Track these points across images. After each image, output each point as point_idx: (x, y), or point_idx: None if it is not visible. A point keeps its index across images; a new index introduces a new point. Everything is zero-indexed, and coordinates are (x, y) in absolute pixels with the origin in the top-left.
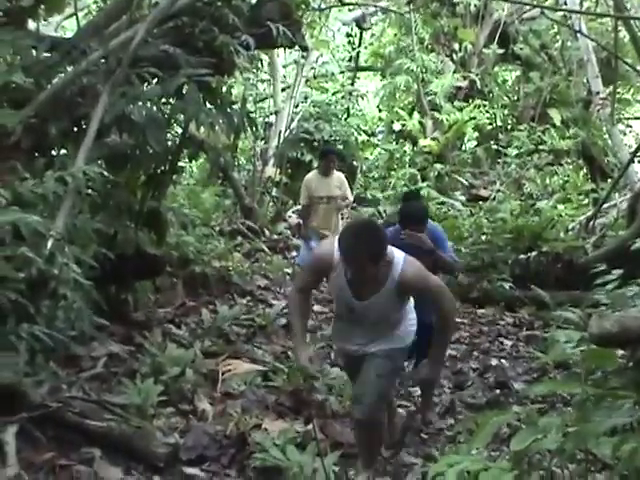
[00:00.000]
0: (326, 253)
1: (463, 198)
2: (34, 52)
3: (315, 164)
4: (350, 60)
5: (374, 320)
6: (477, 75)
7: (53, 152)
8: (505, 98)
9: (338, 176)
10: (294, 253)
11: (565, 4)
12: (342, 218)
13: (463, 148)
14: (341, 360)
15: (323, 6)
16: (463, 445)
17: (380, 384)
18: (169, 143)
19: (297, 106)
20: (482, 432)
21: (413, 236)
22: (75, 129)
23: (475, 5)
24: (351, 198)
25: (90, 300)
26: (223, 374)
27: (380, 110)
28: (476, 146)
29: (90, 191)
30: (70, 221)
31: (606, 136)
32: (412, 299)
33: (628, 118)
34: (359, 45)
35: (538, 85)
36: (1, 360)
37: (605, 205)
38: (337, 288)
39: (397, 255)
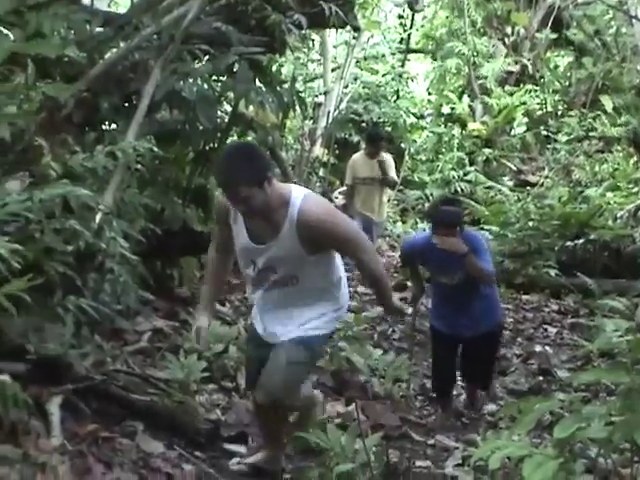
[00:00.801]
0: (222, 198)
1: (511, 183)
2: (88, 27)
3: (363, 145)
4: (401, 42)
5: (284, 275)
6: (529, 60)
7: (104, 127)
8: (556, 83)
9: (384, 158)
10: None
11: None
12: (388, 200)
13: (512, 133)
14: (247, 335)
15: None
16: (505, 431)
17: (291, 373)
18: (219, 120)
19: (347, 87)
20: (525, 418)
21: (445, 241)
22: (126, 104)
23: None
24: (396, 179)
25: (136, 274)
26: None
27: (430, 93)
28: (525, 131)
29: (139, 166)
30: (119, 195)
31: None
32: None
33: None
34: (410, 27)
35: (590, 71)
36: (48, 331)
37: None
38: (237, 235)
39: (296, 192)
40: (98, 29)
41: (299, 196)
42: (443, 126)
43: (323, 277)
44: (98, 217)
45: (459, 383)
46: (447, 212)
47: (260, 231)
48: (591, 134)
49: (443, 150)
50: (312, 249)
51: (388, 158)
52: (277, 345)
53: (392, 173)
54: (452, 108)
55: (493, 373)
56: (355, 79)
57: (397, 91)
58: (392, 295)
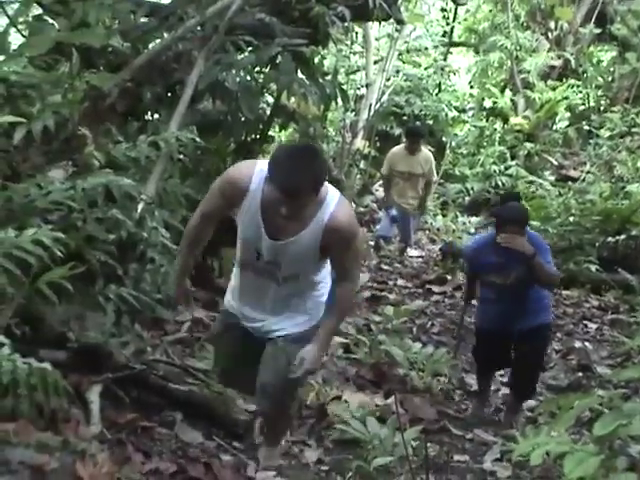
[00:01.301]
0: (242, 176)
1: (552, 178)
2: (132, 17)
3: (404, 138)
4: (444, 35)
5: (287, 274)
6: (572, 54)
7: (147, 116)
8: (599, 79)
9: (425, 154)
10: (378, 226)
11: None
12: (428, 194)
13: (554, 128)
14: (220, 326)
15: None
16: (544, 427)
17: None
18: (261, 112)
19: (389, 79)
20: (565, 415)
21: (513, 239)
22: (169, 94)
23: None
24: (435, 177)
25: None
26: None
27: (472, 87)
28: (567, 126)
29: (181, 156)
30: (161, 185)
31: None
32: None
33: None
34: (453, 20)
35: (634, 66)
36: (89, 320)
37: None
38: (247, 223)
39: (332, 192)
40: (143, 19)
41: (334, 197)
42: (485, 120)
43: (317, 284)
44: (140, 207)
45: (500, 378)
46: (516, 209)
47: (280, 226)
48: (634, 130)
49: (484, 144)
50: (324, 253)
51: (429, 155)
52: (272, 343)
53: (432, 171)
54: (494, 102)
55: (537, 383)
56: (397, 72)
57: (439, 84)
58: (330, 341)
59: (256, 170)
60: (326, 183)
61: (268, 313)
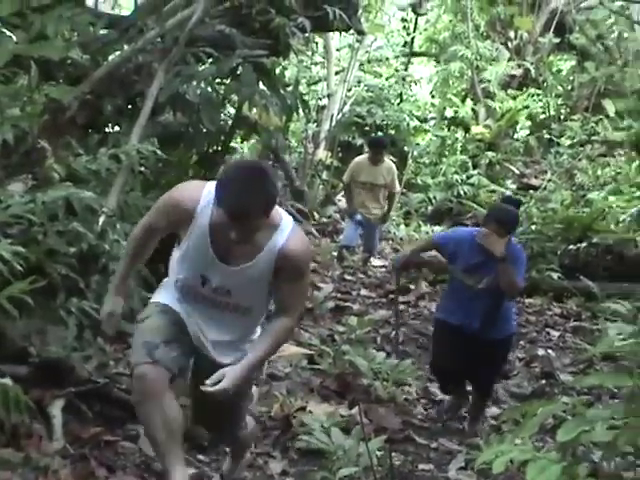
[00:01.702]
0: (187, 199)
1: (514, 187)
2: (91, 29)
3: (366, 148)
4: (404, 45)
5: (237, 303)
6: (532, 64)
7: (107, 129)
8: (559, 87)
9: (387, 165)
10: (342, 236)
11: None
12: (391, 206)
13: (515, 136)
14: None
15: None
16: (508, 435)
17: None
18: (222, 123)
19: (350, 90)
20: (528, 422)
21: (490, 237)
22: (130, 107)
23: None
24: (398, 188)
25: (139, 277)
26: None
27: (433, 96)
28: (528, 135)
29: (143, 169)
30: (122, 198)
31: None
32: None
33: None
34: (414, 30)
35: (593, 75)
36: (50, 334)
37: None
38: (193, 248)
39: (286, 217)
40: (102, 31)
41: (288, 223)
42: (446, 129)
43: (258, 321)
44: (101, 219)
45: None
46: (506, 211)
47: (233, 250)
48: (593, 138)
49: (446, 153)
50: (275, 280)
51: (391, 166)
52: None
53: (395, 182)
54: (455, 111)
55: (495, 383)
56: (358, 82)
57: (400, 94)
58: (257, 367)
59: (204, 193)
60: (279, 208)
61: (206, 342)
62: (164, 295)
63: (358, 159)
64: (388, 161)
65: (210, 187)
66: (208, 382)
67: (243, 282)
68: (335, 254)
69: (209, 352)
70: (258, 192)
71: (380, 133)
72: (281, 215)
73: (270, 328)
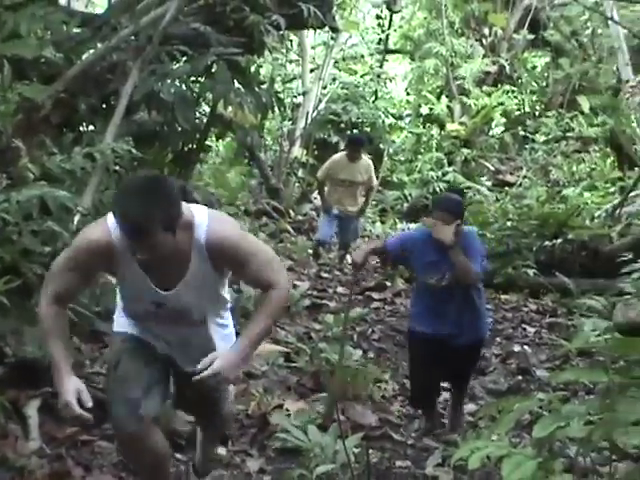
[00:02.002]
0: (98, 237)
1: (489, 183)
2: (65, 27)
3: (342, 146)
4: (379, 42)
5: (199, 311)
6: (506, 60)
7: (82, 128)
8: (534, 84)
9: (365, 162)
10: (317, 233)
11: None
12: (368, 200)
13: (490, 133)
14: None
15: None
16: (484, 431)
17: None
18: (197, 121)
19: (325, 87)
20: (505, 418)
21: (437, 226)
22: (104, 105)
23: None
24: (376, 182)
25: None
26: None
27: (408, 93)
28: (503, 132)
29: (117, 168)
30: (97, 197)
31: (635, 124)
32: None
33: None
34: (389, 27)
35: (567, 72)
36: (26, 334)
37: (632, 194)
38: (129, 281)
39: (198, 211)
40: (75, 30)
41: (203, 214)
42: (422, 126)
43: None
44: (76, 218)
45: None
46: (450, 198)
47: (165, 272)
48: (568, 134)
49: (422, 150)
50: (222, 270)
51: (369, 163)
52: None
53: (372, 179)
54: (430, 109)
55: (469, 381)
56: (334, 80)
57: (376, 92)
58: (254, 349)
59: (109, 223)
60: (188, 205)
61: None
62: (124, 322)
63: (336, 157)
64: (365, 158)
65: (112, 217)
66: (199, 367)
67: (194, 292)
68: (311, 252)
69: (185, 365)
70: (150, 206)
71: (356, 131)
72: (192, 211)
73: (262, 304)
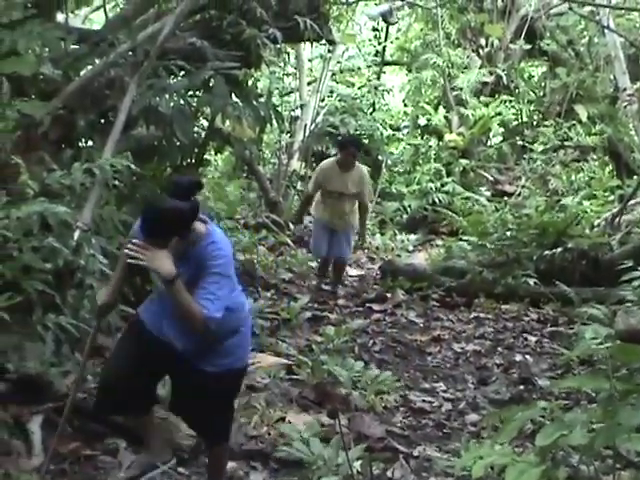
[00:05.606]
0: None
1: (488, 193)
2: (62, 44)
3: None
4: (376, 54)
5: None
6: (503, 70)
7: (80, 144)
8: (531, 94)
9: (359, 171)
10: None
11: None
12: (364, 222)
13: (489, 143)
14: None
15: (350, 0)
16: (487, 440)
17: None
18: (196, 135)
19: (323, 100)
20: (507, 427)
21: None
22: (102, 121)
23: (502, 0)
24: (367, 200)
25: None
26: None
27: (406, 105)
28: (502, 142)
29: (117, 183)
30: (97, 212)
31: (633, 133)
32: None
33: None
34: (385, 39)
35: (565, 81)
36: (27, 350)
37: (631, 202)
38: None
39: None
40: (73, 46)
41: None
42: (420, 138)
43: None
44: (76, 234)
45: (442, 394)
46: (184, 179)
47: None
48: (566, 143)
49: (420, 162)
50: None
51: (364, 173)
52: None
53: (365, 192)
54: (428, 120)
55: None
56: (331, 92)
57: (373, 103)
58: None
59: None
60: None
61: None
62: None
63: (325, 165)
64: (361, 167)
65: None
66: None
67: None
68: (311, 265)
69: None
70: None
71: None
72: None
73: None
